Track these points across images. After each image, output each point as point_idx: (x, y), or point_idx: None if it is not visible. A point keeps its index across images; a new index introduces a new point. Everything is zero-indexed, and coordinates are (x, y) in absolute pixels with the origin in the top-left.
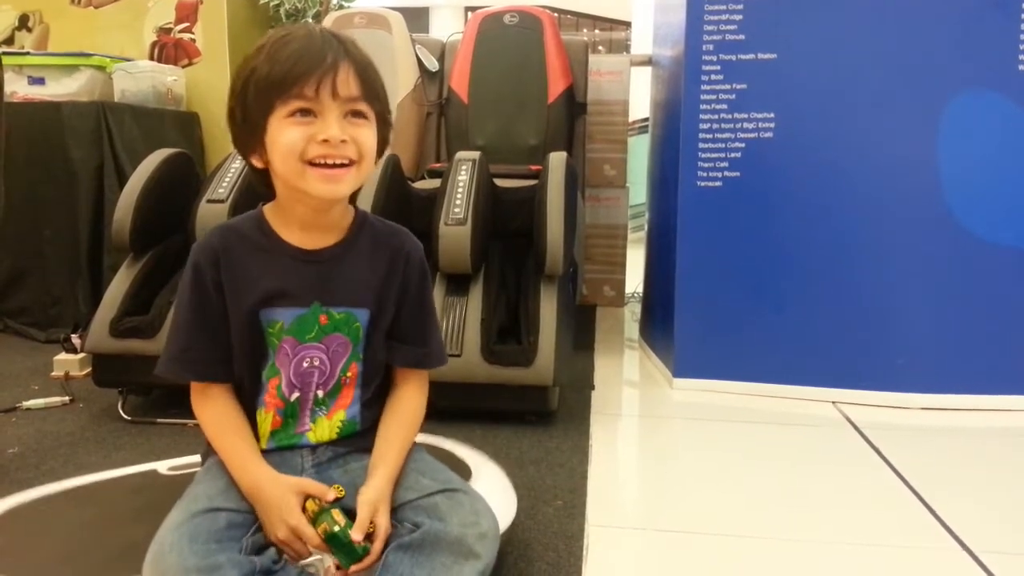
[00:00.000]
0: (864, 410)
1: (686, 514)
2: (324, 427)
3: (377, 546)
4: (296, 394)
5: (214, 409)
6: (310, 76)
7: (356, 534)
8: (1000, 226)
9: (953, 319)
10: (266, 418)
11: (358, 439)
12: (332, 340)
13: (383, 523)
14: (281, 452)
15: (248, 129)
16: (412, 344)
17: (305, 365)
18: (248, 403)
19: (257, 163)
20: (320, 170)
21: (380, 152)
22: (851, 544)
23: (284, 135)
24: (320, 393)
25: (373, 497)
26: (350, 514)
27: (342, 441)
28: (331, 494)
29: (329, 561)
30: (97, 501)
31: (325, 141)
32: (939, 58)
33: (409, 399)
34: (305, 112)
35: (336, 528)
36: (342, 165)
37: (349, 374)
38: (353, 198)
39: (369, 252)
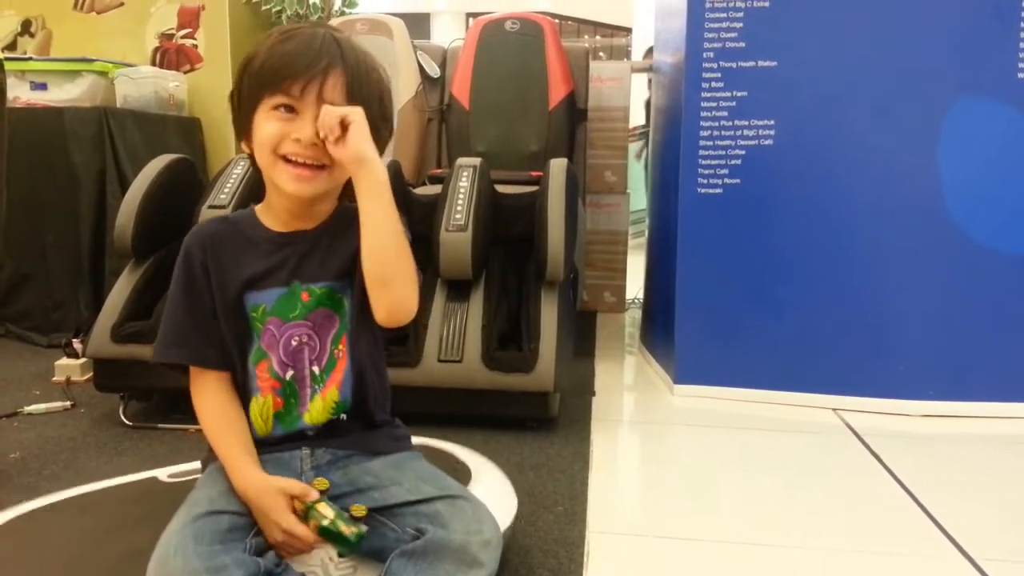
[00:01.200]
0: (865, 417)
1: (687, 521)
2: (318, 407)
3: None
4: (290, 372)
5: (211, 401)
6: (298, 77)
7: (346, 525)
8: (1000, 232)
9: (954, 326)
10: (265, 402)
11: (356, 438)
12: (317, 315)
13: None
14: (279, 455)
15: (241, 115)
16: None
17: (294, 344)
18: (243, 394)
19: (245, 148)
20: (291, 167)
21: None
22: (851, 551)
23: (264, 127)
24: (316, 369)
25: None
26: (340, 503)
27: (338, 439)
28: (313, 493)
29: (331, 553)
30: (98, 509)
31: (299, 140)
32: (939, 65)
33: None
34: (289, 108)
35: (325, 522)
36: (314, 167)
37: (340, 347)
38: (351, 196)
39: (343, 231)
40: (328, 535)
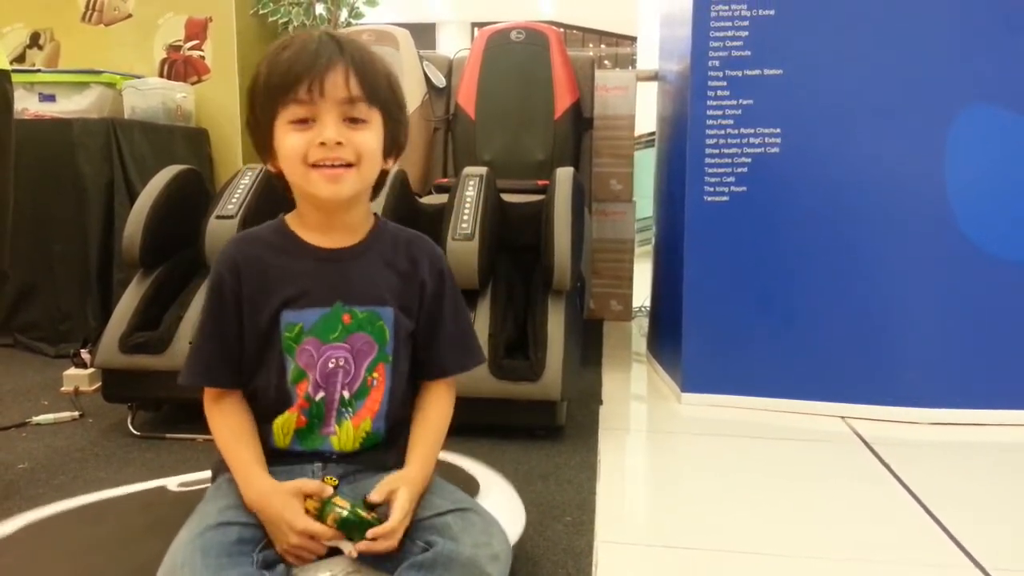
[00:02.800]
0: (874, 425)
1: (696, 530)
2: (348, 434)
3: (394, 522)
4: (321, 394)
5: (227, 418)
6: (303, 80)
7: (365, 511)
8: (1008, 240)
9: (962, 333)
10: (290, 417)
11: (377, 454)
12: (356, 339)
13: (406, 504)
14: (291, 468)
15: (260, 136)
16: (451, 343)
17: (331, 365)
18: (266, 412)
19: (272, 168)
20: (322, 171)
21: (395, 152)
22: (861, 561)
23: (287, 141)
24: (346, 394)
25: (395, 477)
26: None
27: (361, 456)
28: (328, 489)
29: (349, 547)
30: (108, 519)
31: (323, 144)
32: (946, 73)
33: (440, 405)
34: (305, 119)
35: (344, 512)
36: (343, 165)
37: (376, 375)
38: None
39: (389, 253)
40: (348, 526)
